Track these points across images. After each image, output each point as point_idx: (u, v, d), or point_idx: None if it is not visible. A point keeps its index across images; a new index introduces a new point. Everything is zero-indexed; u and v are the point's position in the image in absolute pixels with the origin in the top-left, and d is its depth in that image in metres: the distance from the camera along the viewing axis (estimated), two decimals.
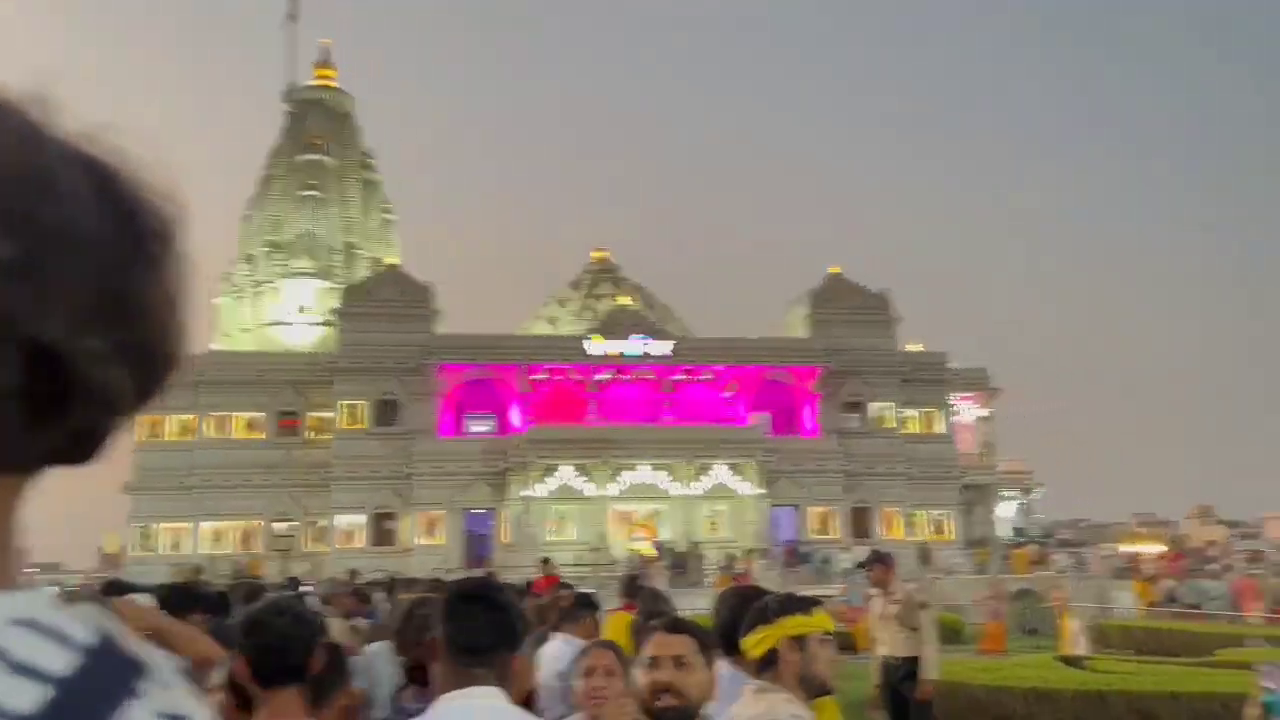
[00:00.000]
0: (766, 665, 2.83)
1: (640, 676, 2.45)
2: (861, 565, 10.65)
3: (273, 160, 53.96)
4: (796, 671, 2.79)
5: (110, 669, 0.55)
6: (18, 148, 0.52)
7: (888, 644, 8.21)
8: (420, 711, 2.24)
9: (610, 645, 3.01)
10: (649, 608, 6.59)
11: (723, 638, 3.65)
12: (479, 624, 2.24)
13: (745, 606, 3.13)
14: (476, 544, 40.38)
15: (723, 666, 3.76)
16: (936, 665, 7.99)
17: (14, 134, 0.53)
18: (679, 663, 2.40)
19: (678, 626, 2.53)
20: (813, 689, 2.82)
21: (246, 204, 54.14)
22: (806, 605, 2.89)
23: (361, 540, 39.86)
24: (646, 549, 37.37)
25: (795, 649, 2.79)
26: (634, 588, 5.70)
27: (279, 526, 41.28)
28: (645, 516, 39.99)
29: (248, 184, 55.19)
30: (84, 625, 0.55)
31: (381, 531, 40.28)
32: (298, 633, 2.44)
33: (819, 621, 2.86)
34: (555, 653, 5.22)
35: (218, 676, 2.23)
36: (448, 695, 2.18)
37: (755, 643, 2.86)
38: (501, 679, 2.19)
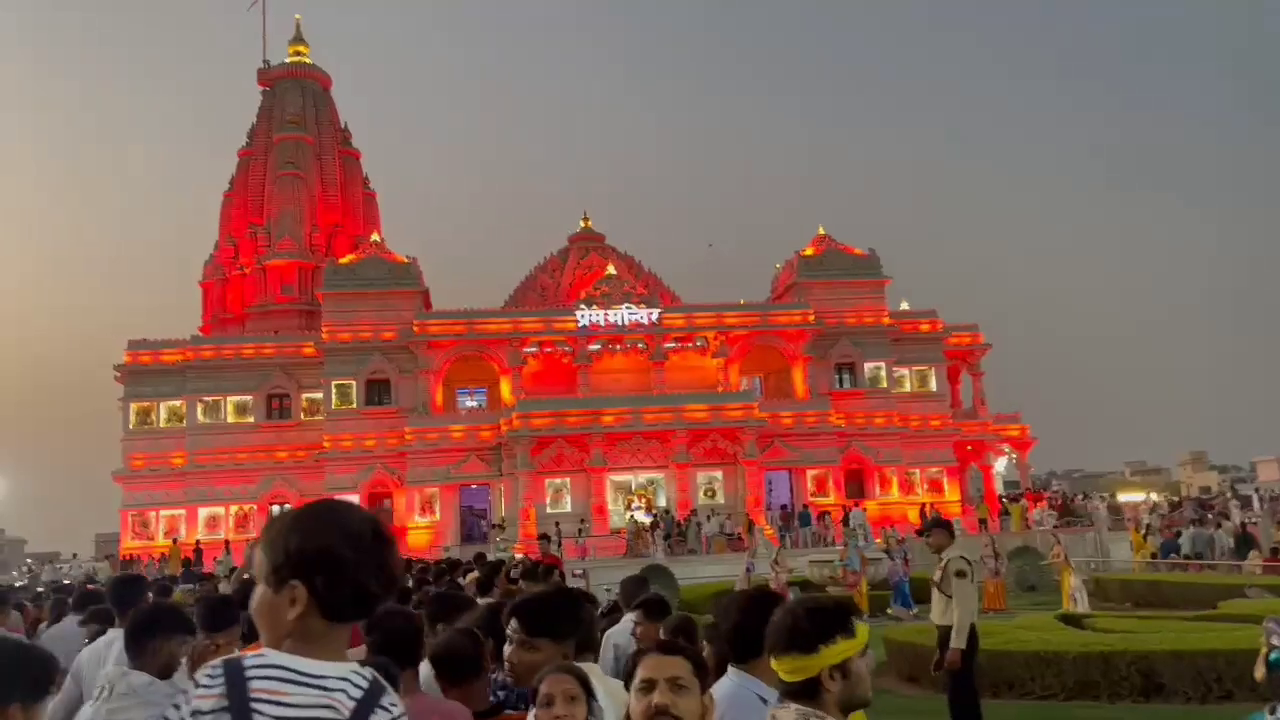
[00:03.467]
0: (804, 692, 2.51)
1: (634, 702, 2.31)
2: (920, 533, 11.10)
3: (251, 140, 53.29)
4: (839, 699, 2.50)
5: (377, 687, 1.83)
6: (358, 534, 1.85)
7: (934, 611, 8.67)
8: None
9: (571, 669, 2.77)
10: (630, 598, 6.48)
11: (734, 644, 3.35)
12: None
13: (763, 614, 2.87)
14: (471, 521, 40.32)
15: (731, 674, 3.55)
16: (964, 633, 8.15)
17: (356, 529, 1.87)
18: (675, 685, 2.27)
19: (673, 648, 2.42)
20: (853, 708, 2.61)
21: (228, 185, 53.54)
22: (848, 624, 2.55)
23: None
24: (643, 518, 37.39)
25: (839, 676, 2.49)
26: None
27: (274, 509, 41.20)
28: (641, 486, 39.93)
29: (230, 165, 54.55)
30: (365, 671, 1.86)
31: (378, 511, 40.07)
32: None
33: (862, 640, 2.55)
34: None
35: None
36: None
37: (792, 670, 2.52)
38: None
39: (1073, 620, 13.42)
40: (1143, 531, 25.16)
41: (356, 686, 1.81)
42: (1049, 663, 10.22)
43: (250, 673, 1.78)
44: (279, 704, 1.75)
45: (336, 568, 1.81)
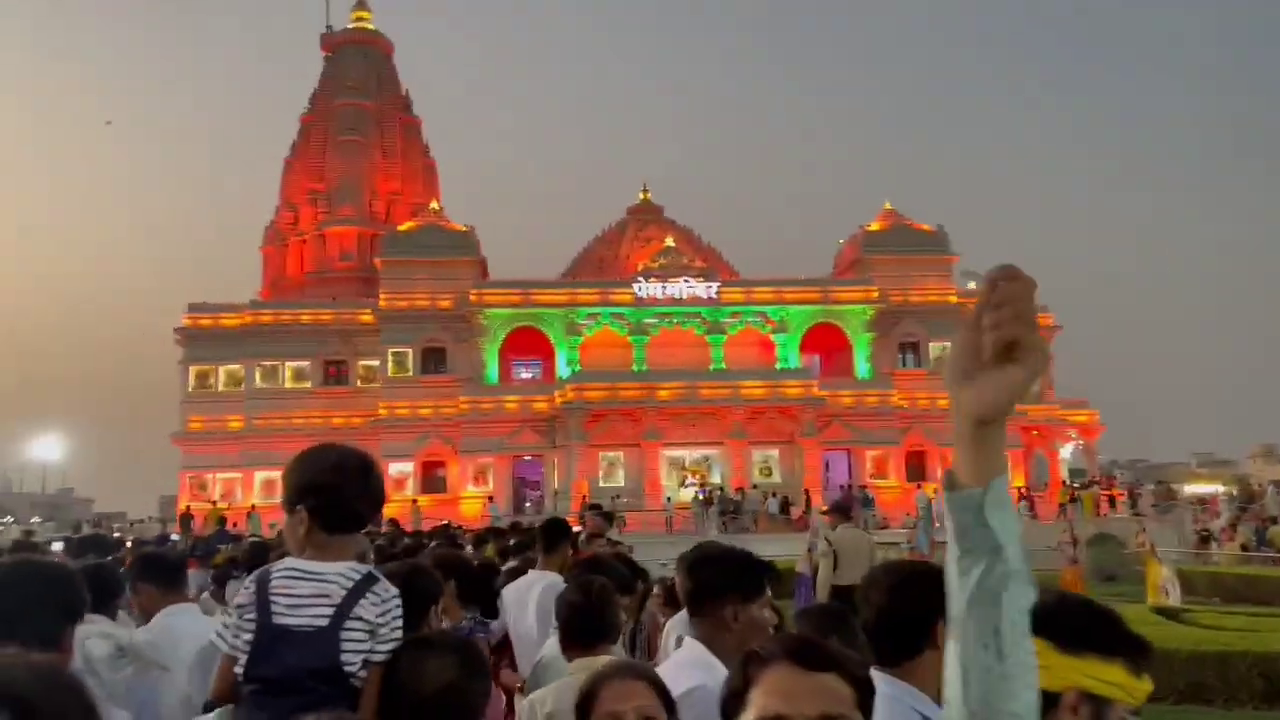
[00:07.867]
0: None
1: None
2: (825, 512, 12.68)
3: (312, 106, 53.15)
4: None
5: (369, 579, 2.42)
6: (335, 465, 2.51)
7: None
8: None
9: (640, 671, 1.99)
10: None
11: (878, 638, 2.81)
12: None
13: (923, 594, 2.17)
14: (524, 491, 39.94)
15: (878, 680, 2.82)
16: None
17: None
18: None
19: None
20: None
21: (289, 151, 53.49)
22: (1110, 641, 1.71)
23: (411, 488, 39.55)
24: (694, 495, 36.62)
25: (1087, 707, 1.65)
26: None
27: None
28: (695, 462, 39.24)
29: (292, 131, 54.48)
30: (361, 568, 2.48)
31: (431, 479, 39.97)
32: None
33: (1113, 678, 1.67)
34: None
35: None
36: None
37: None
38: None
39: (1168, 613, 12.51)
40: (1227, 522, 23.93)
41: (349, 579, 2.36)
42: (1157, 662, 9.35)
43: (273, 575, 2.36)
44: (289, 595, 2.31)
45: (327, 493, 2.38)
